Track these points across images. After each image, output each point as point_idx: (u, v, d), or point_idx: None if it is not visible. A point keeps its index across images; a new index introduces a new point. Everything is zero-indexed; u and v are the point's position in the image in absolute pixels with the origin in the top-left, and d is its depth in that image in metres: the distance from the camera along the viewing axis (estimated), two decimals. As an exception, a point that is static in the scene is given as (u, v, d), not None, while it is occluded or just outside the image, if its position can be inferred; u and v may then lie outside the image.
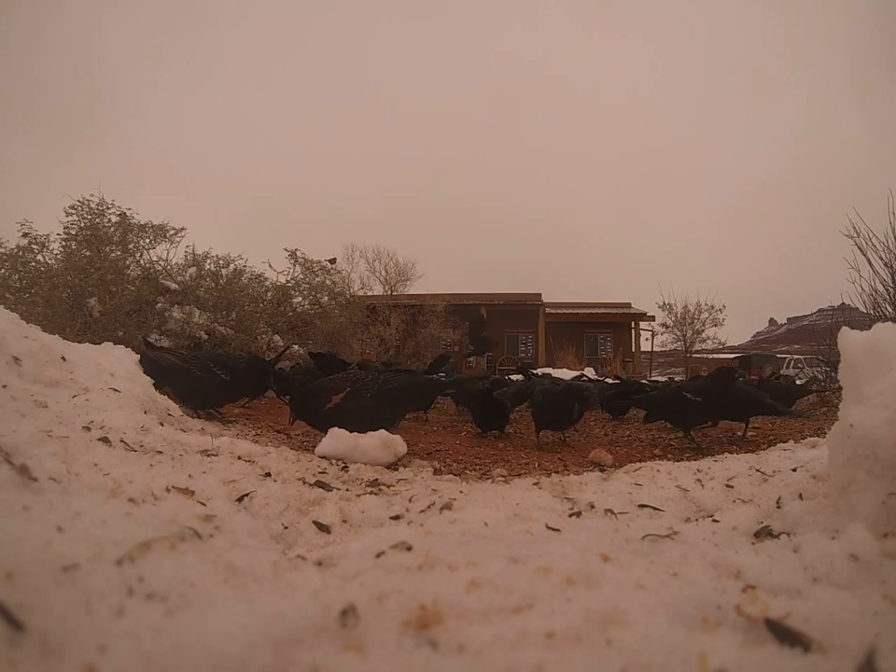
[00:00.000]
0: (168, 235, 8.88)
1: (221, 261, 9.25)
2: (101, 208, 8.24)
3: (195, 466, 1.28)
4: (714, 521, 1.05)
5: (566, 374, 6.63)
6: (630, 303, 21.74)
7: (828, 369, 5.61)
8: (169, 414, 2.19)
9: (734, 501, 1.22)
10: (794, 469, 1.37)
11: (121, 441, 1.34)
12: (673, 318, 20.78)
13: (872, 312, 5.43)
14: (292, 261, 9.95)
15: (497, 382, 3.76)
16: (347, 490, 1.35)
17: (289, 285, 9.82)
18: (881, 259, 5.29)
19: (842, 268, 5.51)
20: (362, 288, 18.31)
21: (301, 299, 9.83)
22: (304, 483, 1.36)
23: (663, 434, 3.29)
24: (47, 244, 8.12)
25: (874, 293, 5.36)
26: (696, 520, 1.11)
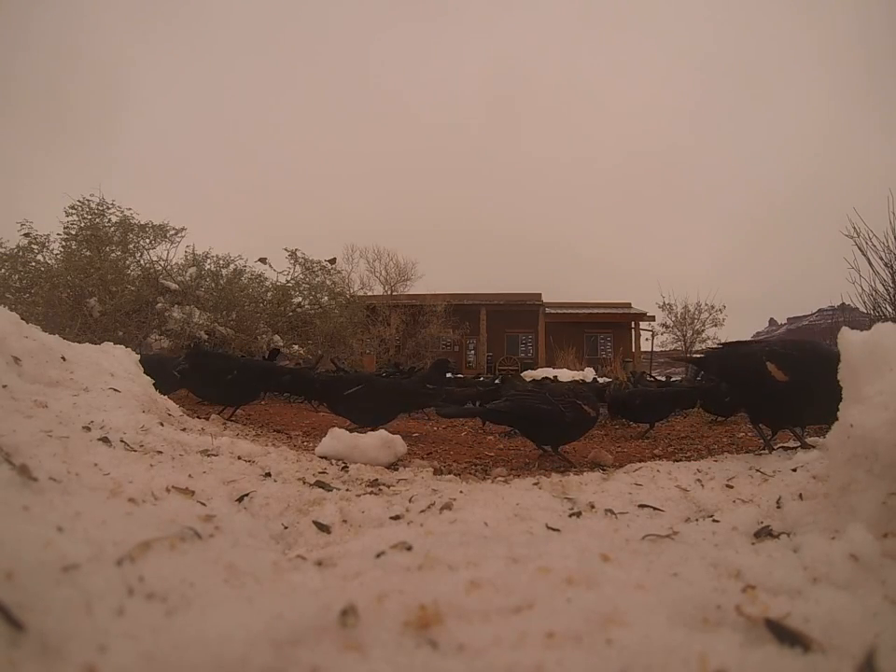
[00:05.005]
0: (168, 235, 8.88)
1: (221, 261, 9.25)
2: (101, 208, 8.24)
3: (195, 466, 1.28)
4: (714, 521, 1.05)
5: (566, 374, 6.62)
6: (630, 303, 21.73)
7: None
8: (169, 414, 2.19)
9: (734, 501, 1.22)
10: (794, 469, 1.37)
11: (121, 441, 1.34)
12: (673, 318, 20.78)
13: (872, 312, 5.43)
14: (292, 261, 9.95)
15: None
16: (347, 490, 1.35)
17: (289, 285, 9.82)
18: (881, 259, 5.29)
19: (842, 268, 5.51)
20: (362, 288, 18.33)
21: (301, 299, 9.82)
22: (304, 483, 1.36)
23: (663, 434, 3.29)
24: (47, 244, 8.11)
25: (874, 293, 5.36)
26: (696, 520, 1.11)
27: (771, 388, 1.77)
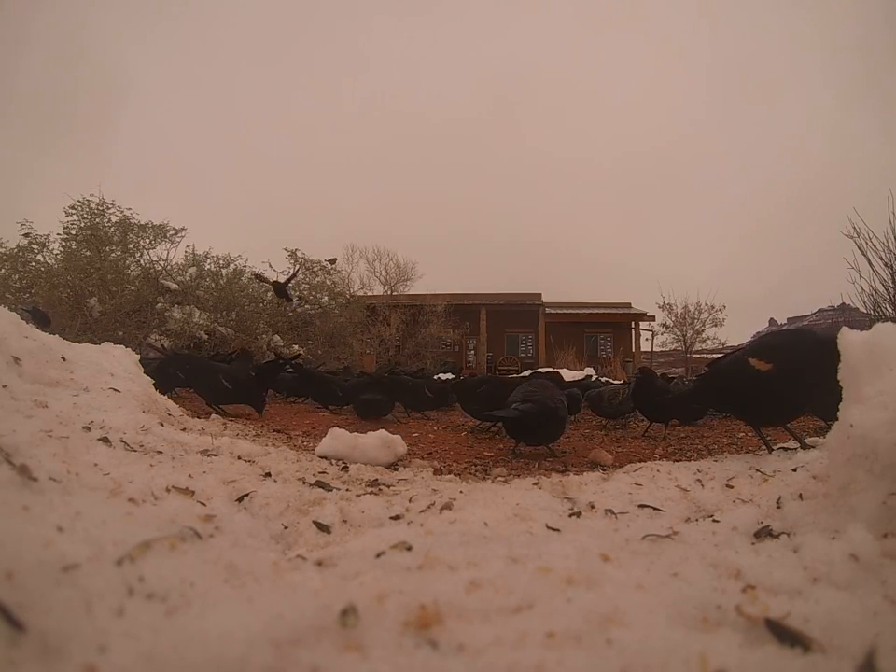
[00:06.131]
0: (168, 235, 8.89)
1: (221, 261, 9.27)
2: (101, 208, 8.25)
3: (195, 466, 1.28)
4: (714, 521, 1.05)
5: (566, 374, 6.61)
6: (630, 303, 21.73)
7: None
8: (169, 414, 2.19)
9: (734, 501, 1.22)
10: (794, 470, 1.37)
11: (121, 440, 1.34)
12: (673, 318, 20.77)
13: (872, 312, 5.44)
14: (292, 261, 9.96)
15: None
16: (347, 490, 1.35)
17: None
18: (881, 258, 5.30)
19: (842, 268, 5.51)
20: (362, 288, 18.33)
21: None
22: (304, 482, 1.36)
23: (663, 434, 3.28)
24: (47, 244, 8.12)
25: (874, 293, 5.37)
26: (696, 520, 1.11)
27: (760, 383, 1.79)
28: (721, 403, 2.28)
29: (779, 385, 1.75)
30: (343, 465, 1.75)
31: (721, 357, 2.23)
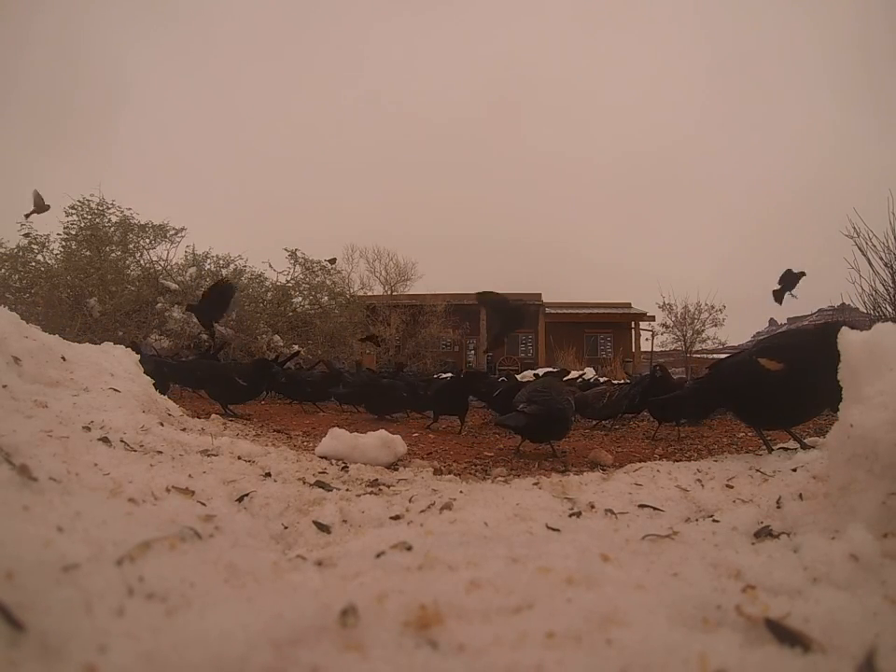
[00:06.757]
0: (168, 235, 8.89)
1: (221, 261, 9.27)
2: (101, 208, 8.25)
3: (195, 466, 1.28)
4: (714, 521, 1.05)
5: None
6: (630, 303, 21.75)
7: None
8: (169, 414, 2.19)
9: (734, 501, 1.22)
10: (794, 470, 1.37)
11: (121, 440, 1.34)
12: (673, 318, 20.75)
13: (872, 312, 5.44)
14: (292, 261, 9.95)
15: None
16: (347, 490, 1.35)
17: (289, 285, 9.83)
18: (881, 259, 5.30)
19: (842, 268, 5.52)
20: (362, 288, 18.32)
21: (301, 299, 9.83)
22: (304, 483, 1.36)
23: (663, 434, 3.29)
24: (47, 244, 8.12)
25: (874, 293, 5.37)
26: (696, 520, 1.11)
27: (770, 383, 1.76)
28: (724, 405, 2.25)
29: (790, 385, 1.70)
30: (343, 465, 1.75)
31: (723, 360, 2.22)
